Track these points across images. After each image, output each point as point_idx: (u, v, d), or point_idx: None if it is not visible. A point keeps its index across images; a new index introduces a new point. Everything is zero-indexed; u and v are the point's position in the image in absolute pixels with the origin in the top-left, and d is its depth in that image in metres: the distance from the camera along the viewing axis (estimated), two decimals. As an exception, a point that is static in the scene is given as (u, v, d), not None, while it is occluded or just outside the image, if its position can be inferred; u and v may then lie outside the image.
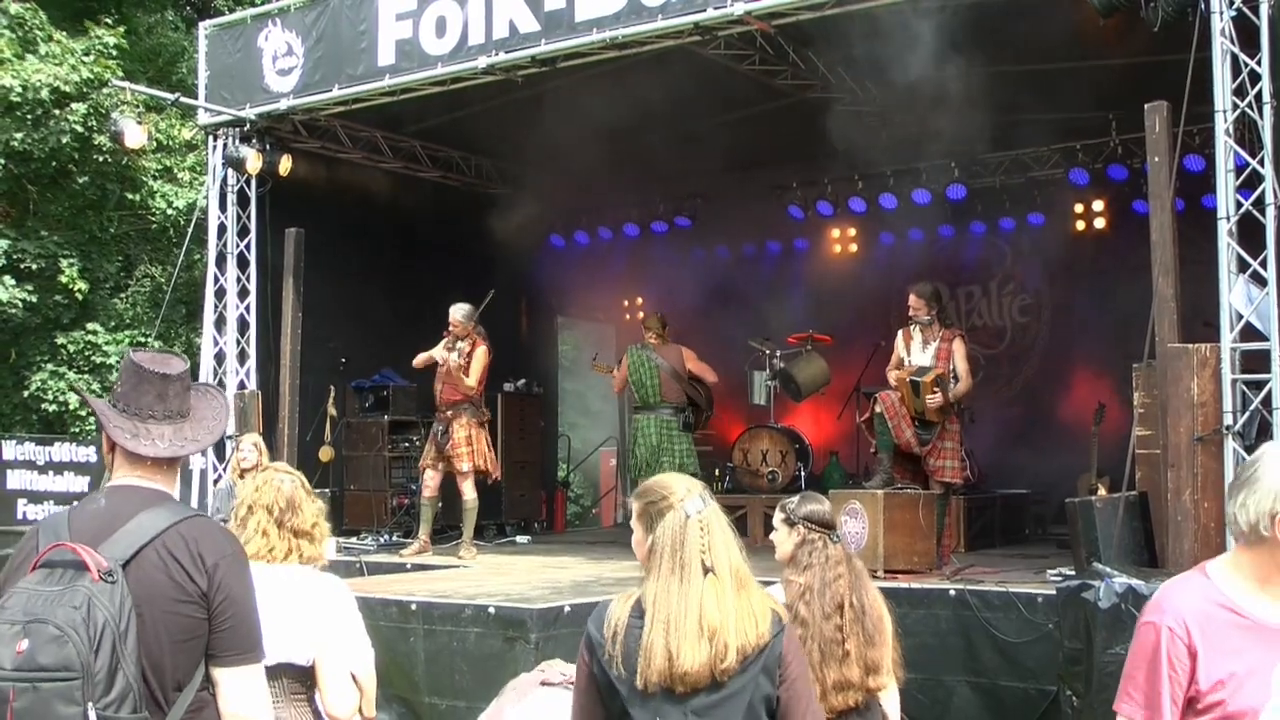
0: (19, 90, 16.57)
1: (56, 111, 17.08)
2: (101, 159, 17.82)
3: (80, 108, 17.09)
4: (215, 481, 12.12)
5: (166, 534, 3.06)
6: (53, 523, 3.11)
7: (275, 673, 4.26)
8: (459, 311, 11.41)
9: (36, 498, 14.56)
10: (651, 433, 12.28)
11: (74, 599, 2.86)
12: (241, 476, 10.39)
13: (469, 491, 11.47)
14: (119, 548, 3.00)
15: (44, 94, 16.71)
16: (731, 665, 3.09)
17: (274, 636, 4.25)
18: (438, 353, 11.34)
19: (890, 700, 4.41)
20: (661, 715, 3.13)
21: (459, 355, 11.30)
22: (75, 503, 3.25)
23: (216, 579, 3.07)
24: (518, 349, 14.39)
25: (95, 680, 2.83)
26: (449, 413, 11.44)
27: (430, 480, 11.57)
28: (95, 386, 16.79)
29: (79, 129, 17.12)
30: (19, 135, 17.01)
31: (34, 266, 17.73)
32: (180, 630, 3.04)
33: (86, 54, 17.42)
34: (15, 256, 17.64)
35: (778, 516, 4.59)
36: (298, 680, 4.32)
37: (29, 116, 16.99)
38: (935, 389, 9.58)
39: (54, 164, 17.75)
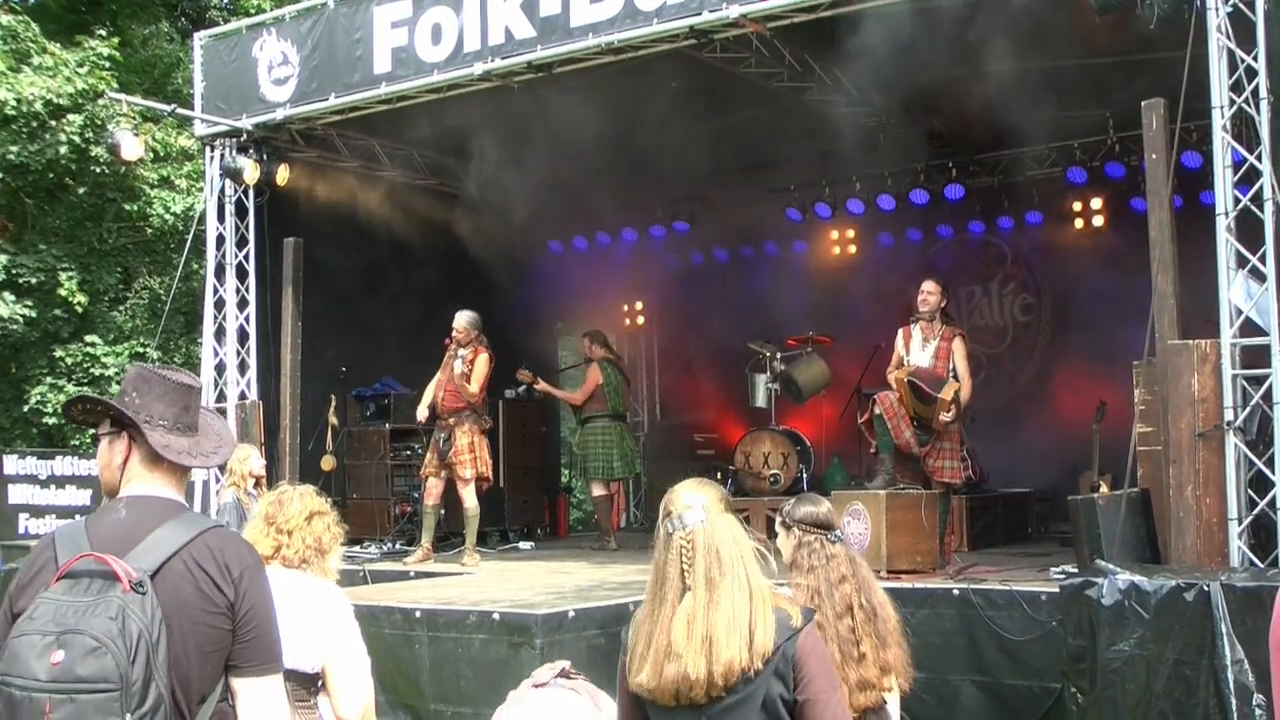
0: (13, 103, 16.58)
1: (52, 123, 17.08)
2: (99, 170, 17.83)
3: (76, 119, 17.11)
4: (217, 494, 12.08)
5: (193, 545, 3.05)
6: (69, 533, 3.10)
7: (281, 679, 4.27)
8: (463, 319, 11.47)
9: (38, 512, 14.59)
10: (627, 437, 13.68)
11: (108, 610, 2.85)
12: (257, 485, 10.33)
13: (470, 499, 11.49)
14: (145, 559, 2.98)
15: (38, 106, 16.71)
16: (699, 693, 3.12)
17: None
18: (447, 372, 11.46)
19: (892, 702, 4.40)
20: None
21: (462, 362, 11.33)
22: (80, 515, 3.25)
23: (242, 589, 3.07)
24: (517, 355, 14.37)
25: (132, 692, 2.82)
26: (451, 420, 11.46)
27: (433, 488, 11.60)
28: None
29: (76, 140, 17.13)
30: (15, 148, 17.02)
31: (33, 281, 17.73)
32: (208, 641, 3.03)
33: (81, 65, 17.43)
34: (15, 271, 17.64)
35: (777, 521, 4.58)
36: (303, 687, 4.33)
37: (24, 129, 16.99)
38: (951, 407, 9.57)
39: (51, 176, 17.76)
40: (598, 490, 13.51)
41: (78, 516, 3.26)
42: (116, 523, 3.09)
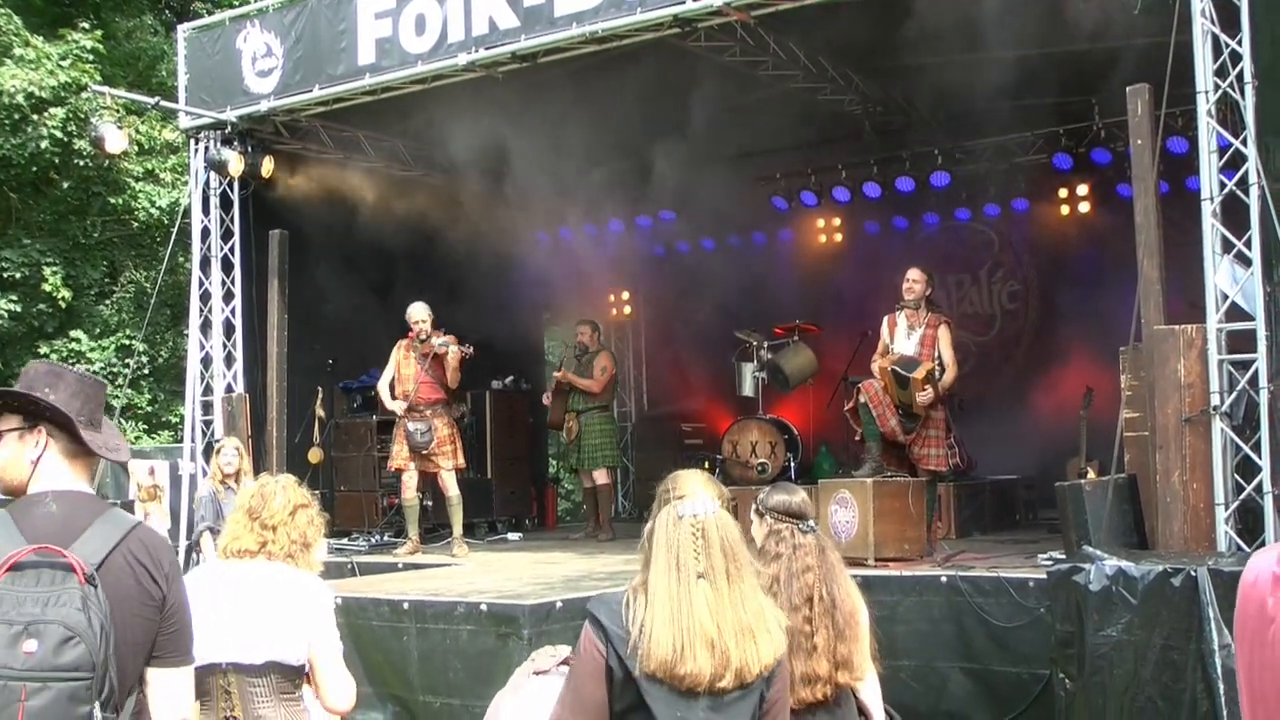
0: (-4, 97, 16.53)
1: (34, 117, 17.01)
2: (83, 164, 17.76)
3: (59, 112, 17.03)
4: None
5: (129, 540, 3.10)
6: None
7: (264, 671, 4.26)
8: (425, 309, 11.50)
9: None
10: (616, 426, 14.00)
11: (73, 600, 2.89)
12: (223, 483, 10.35)
13: (453, 487, 11.47)
14: (87, 553, 3.01)
15: (20, 99, 16.64)
16: (729, 684, 3.10)
17: (263, 635, 4.26)
18: (413, 366, 11.39)
19: (870, 691, 4.35)
20: (679, 709, 3.13)
21: (445, 346, 11.31)
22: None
23: (171, 584, 3.14)
24: (505, 346, 14.35)
25: (100, 680, 2.89)
26: (428, 411, 11.42)
27: (409, 481, 11.52)
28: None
29: (58, 134, 17.06)
30: (-1, 141, 16.97)
31: (17, 275, 17.66)
32: (142, 634, 3.08)
33: (64, 59, 17.35)
34: (-1, 266, 17.60)
35: (753, 509, 4.54)
36: (287, 679, 4.31)
37: (6, 122, 16.91)
38: (926, 386, 9.59)
39: (34, 170, 17.68)
40: (603, 479, 13.45)
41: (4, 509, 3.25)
42: (49, 516, 3.10)
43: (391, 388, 11.59)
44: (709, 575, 3.17)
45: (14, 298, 17.71)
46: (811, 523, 4.39)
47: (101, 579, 2.98)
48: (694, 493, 3.28)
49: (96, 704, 2.87)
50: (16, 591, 2.90)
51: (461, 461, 11.63)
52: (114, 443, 3.31)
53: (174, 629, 3.14)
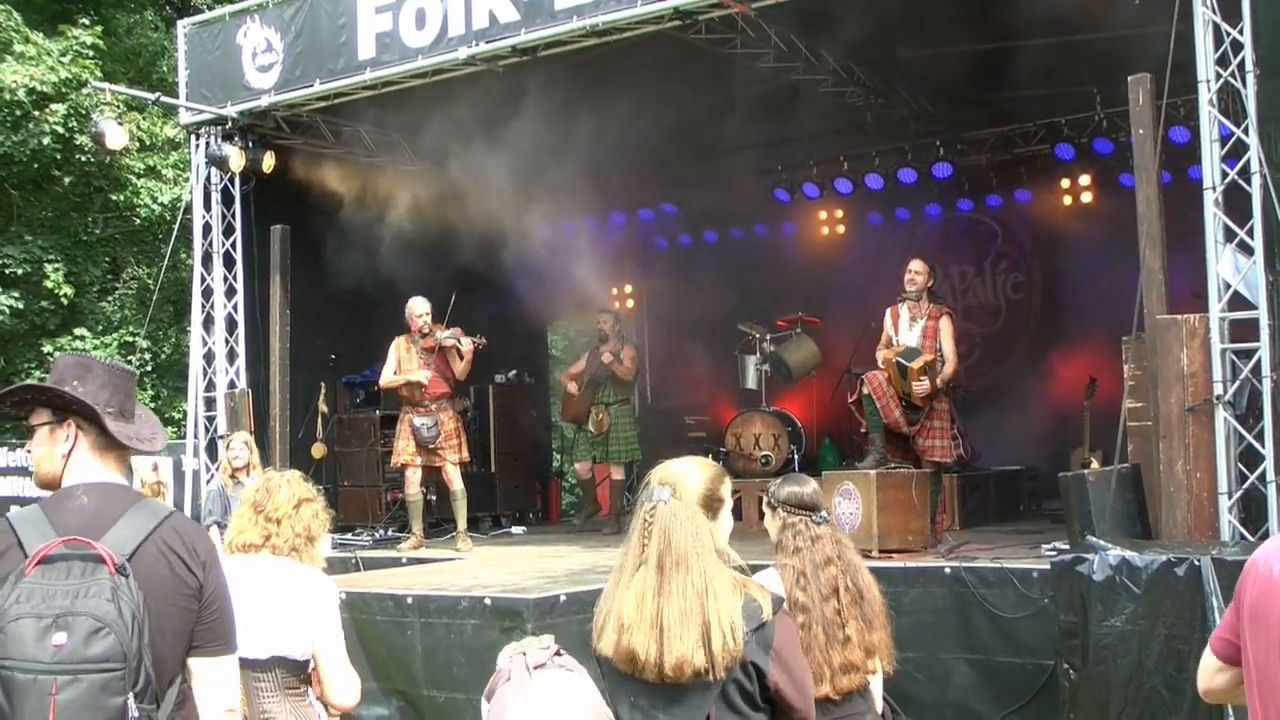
0: (-3, 93, 16.52)
1: (35, 113, 17.00)
2: (85, 160, 17.75)
3: (59, 109, 17.02)
4: (208, 482, 12.08)
5: (162, 529, 3.10)
6: (29, 518, 3.10)
7: (268, 666, 4.27)
8: (425, 303, 11.54)
9: (29, 505, 14.54)
10: None
11: (102, 591, 2.88)
12: (233, 476, 10.38)
13: (458, 482, 11.47)
14: (119, 543, 3.00)
15: (21, 95, 16.62)
16: (671, 672, 3.12)
17: (268, 630, 4.26)
18: (415, 362, 11.37)
19: (875, 685, 4.38)
20: (632, 694, 3.21)
21: (453, 337, 11.32)
22: (24, 503, 3.26)
23: (208, 572, 3.14)
24: (507, 340, 14.35)
25: (132, 670, 2.88)
26: (433, 405, 11.40)
27: (413, 477, 11.49)
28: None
29: (59, 130, 17.05)
30: (-1, 138, 16.97)
31: (19, 272, 17.66)
32: (180, 623, 3.08)
33: (64, 55, 17.34)
34: (1, 263, 17.58)
35: (764, 502, 4.58)
36: (293, 674, 4.31)
37: (7, 119, 16.91)
38: (923, 376, 9.59)
39: (36, 167, 17.68)
40: (619, 474, 13.38)
41: (39, 502, 3.25)
42: (80, 509, 3.10)
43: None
44: (647, 562, 3.23)
45: (16, 294, 17.71)
46: (824, 513, 4.41)
47: (134, 568, 2.97)
48: (662, 480, 3.31)
49: (131, 695, 2.86)
50: (46, 585, 2.89)
51: (466, 455, 11.64)
52: (146, 433, 3.29)
53: (214, 617, 3.14)
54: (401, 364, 11.53)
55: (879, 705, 4.42)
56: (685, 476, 3.33)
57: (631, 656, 3.15)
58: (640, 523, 3.27)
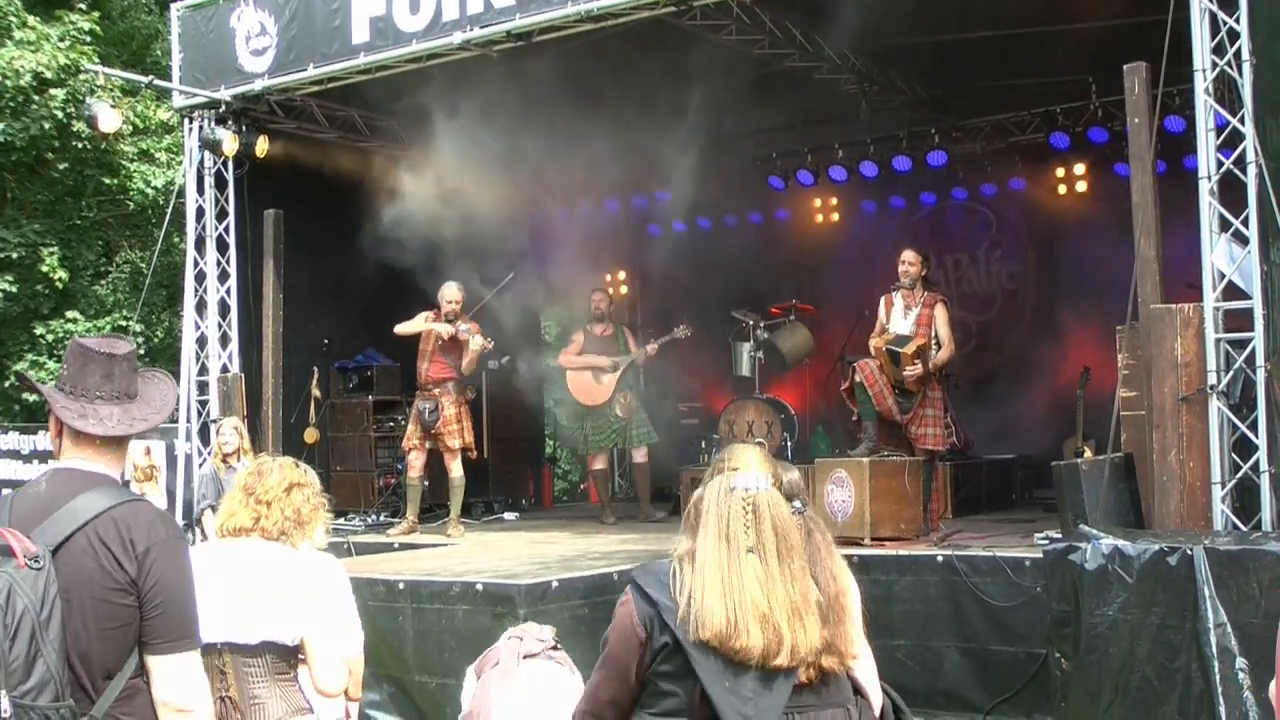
0: (-1, 78, 16.47)
1: (36, 98, 16.95)
2: (81, 145, 17.71)
3: (59, 94, 16.97)
4: (199, 466, 12.06)
5: (100, 519, 3.04)
6: None
7: (258, 651, 4.26)
8: (458, 291, 11.57)
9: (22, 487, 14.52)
10: None
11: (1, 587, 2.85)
12: (224, 461, 10.38)
13: (457, 469, 11.51)
14: (51, 533, 2.98)
15: (26, 80, 16.57)
16: (783, 662, 3.10)
17: (257, 615, 4.25)
18: (440, 327, 11.37)
19: (865, 669, 4.30)
20: (728, 681, 3.10)
21: (469, 331, 11.35)
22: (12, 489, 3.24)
23: (147, 565, 3.05)
24: (501, 326, 14.31)
25: (11, 668, 2.82)
26: (436, 390, 11.48)
27: (416, 461, 11.61)
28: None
29: (59, 116, 17.01)
30: (0, 125, 16.90)
31: (14, 256, 17.63)
32: (108, 617, 3.02)
33: (62, 40, 17.29)
34: (-5, 248, 17.57)
35: None
36: (283, 660, 4.30)
37: (9, 105, 16.85)
38: (915, 361, 9.59)
39: (35, 153, 17.64)
40: (642, 457, 13.22)
41: (21, 488, 3.24)
42: (36, 495, 3.10)
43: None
44: (758, 550, 3.15)
45: (10, 279, 17.67)
46: (797, 504, 4.29)
47: (60, 560, 2.94)
48: (748, 467, 3.26)
49: (4, 693, 2.80)
50: None
51: (469, 441, 11.63)
52: (137, 413, 3.24)
53: (156, 613, 3.06)
54: (422, 335, 11.65)
55: (877, 700, 4.34)
56: (761, 465, 3.30)
57: (747, 645, 3.08)
58: (740, 508, 3.18)
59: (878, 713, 4.18)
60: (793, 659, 3.11)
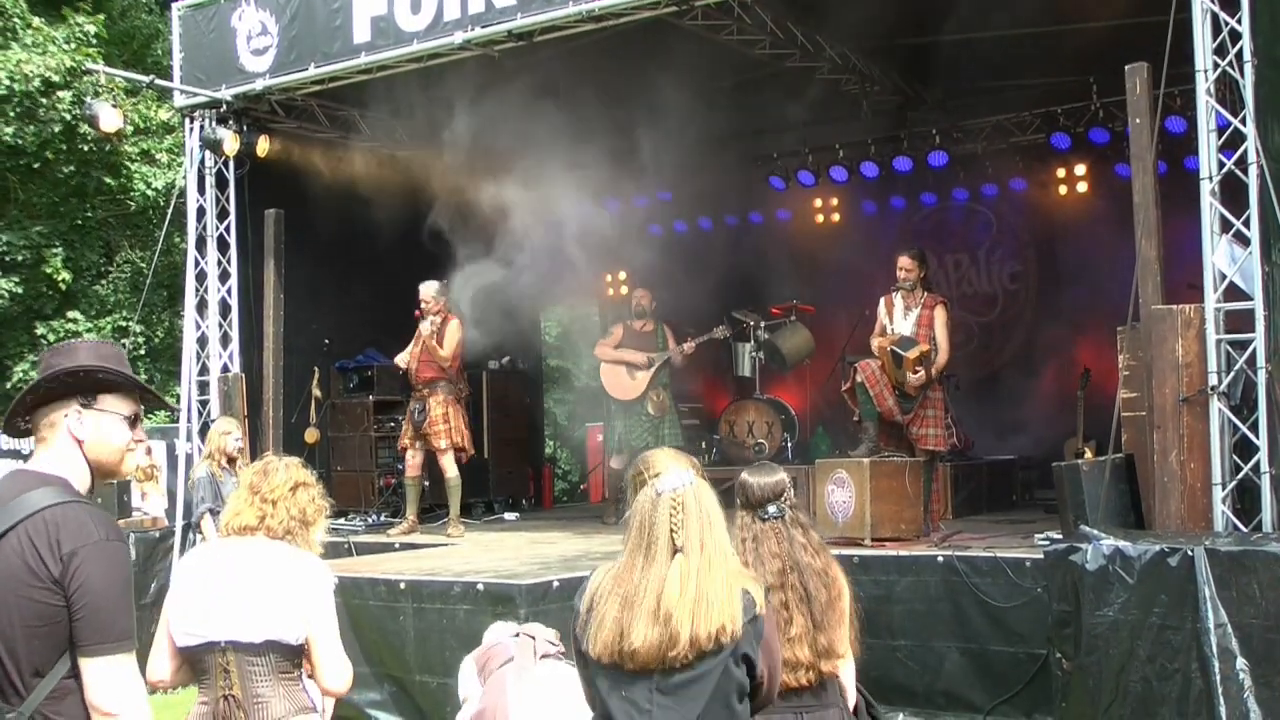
0: (6, 82, 16.42)
1: (44, 101, 16.95)
2: (86, 147, 17.71)
3: (66, 96, 16.98)
4: (194, 469, 12.02)
5: (32, 518, 3.07)
6: None
7: (262, 650, 4.25)
8: (431, 288, 11.68)
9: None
10: None
11: None
12: (229, 463, 10.23)
13: (451, 469, 11.51)
14: None
15: (35, 84, 16.57)
16: (682, 652, 3.11)
17: (261, 614, 4.25)
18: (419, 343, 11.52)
19: (845, 672, 4.31)
20: (625, 689, 3.15)
21: (430, 325, 11.38)
22: None
23: (72, 567, 3.05)
24: (501, 326, 14.32)
25: None
26: (424, 390, 11.54)
27: (412, 460, 11.68)
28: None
29: (67, 118, 17.02)
30: (9, 130, 16.88)
31: (19, 258, 17.63)
32: (34, 616, 3.04)
33: (67, 42, 17.29)
34: (1, 250, 17.56)
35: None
36: (286, 659, 4.30)
37: (18, 108, 16.85)
38: (918, 367, 9.58)
39: (47, 154, 17.65)
40: None
41: None
42: None
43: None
44: (686, 549, 3.19)
45: (15, 279, 17.67)
46: (776, 508, 4.21)
47: None
48: (668, 468, 3.28)
49: None
50: None
51: (459, 441, 11.62)
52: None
53: (81, 615, 3.06)
54: (413, 345, 11.77)
55: (852, 698, 4.35)
56: (677, 461, 3.32)
57: (636, 647, 3.11)
58: (667, 512, 3.21)
59: (852, 708, 4.21)
60: (693, 649, 3.11)
